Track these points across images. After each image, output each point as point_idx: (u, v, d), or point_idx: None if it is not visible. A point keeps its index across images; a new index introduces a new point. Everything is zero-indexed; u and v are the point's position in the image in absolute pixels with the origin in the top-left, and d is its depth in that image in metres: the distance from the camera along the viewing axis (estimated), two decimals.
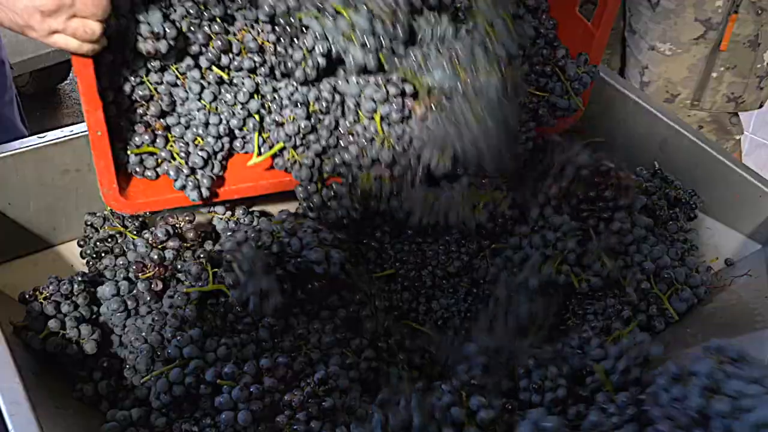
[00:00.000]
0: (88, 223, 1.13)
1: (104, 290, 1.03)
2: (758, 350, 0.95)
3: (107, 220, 1.13)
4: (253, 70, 1.04)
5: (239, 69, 1.04)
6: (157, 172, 1.08)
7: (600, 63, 1.24)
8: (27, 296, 1.01)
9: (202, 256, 1.07)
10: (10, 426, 0.77)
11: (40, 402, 0.82)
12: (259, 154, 1.09)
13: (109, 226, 1.12)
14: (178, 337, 0.95)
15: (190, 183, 1.05)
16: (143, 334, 0.99)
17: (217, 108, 1.06)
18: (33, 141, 1.10)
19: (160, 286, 1.04)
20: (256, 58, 1.03)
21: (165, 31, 0.97)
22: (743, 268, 1.15)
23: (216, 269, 1.04)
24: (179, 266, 1.08)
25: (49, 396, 0.91)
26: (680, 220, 1.20)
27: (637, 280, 1.09)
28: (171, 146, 1.07)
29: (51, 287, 1.01)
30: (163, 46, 0.98)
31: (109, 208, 1.15)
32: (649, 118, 1.29)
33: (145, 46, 0.97)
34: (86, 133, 1.11)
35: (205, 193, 1.06)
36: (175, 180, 1.05)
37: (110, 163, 0.99)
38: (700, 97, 1.73)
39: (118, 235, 1.12)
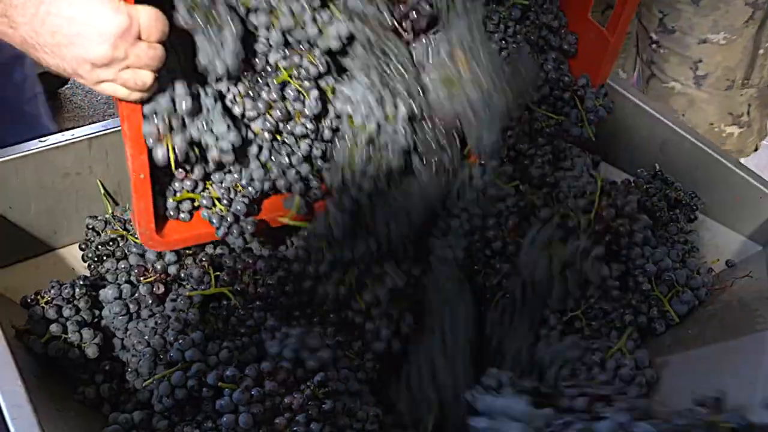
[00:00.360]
0: (90, 226, 1.13)
1: (106, 293, 1.04)
2: (759, 352, 0.95)
3: (108, 224, 1.14)
4: (305, 136, 1.02)
5: (290, 134, 1.01)
6: (191, 214, 1.05)
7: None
8: (29, 300, 1.01)
9: (203, 259, 1.07)
10: (12, 429, 0.77)
11: (41, 405, 0.82)
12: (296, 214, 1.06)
13: (111, 230, 1.12)
14: (180, 341, 0.95)
15: (234, 231, 1.02)
16: (146, 337, 0.99)
17: (266, 165, 1.03)
18: (34, 144, 1.10)
19: (162, 289, 1.04)
20: (309, 125, 1.00)
21: (232, 144, 0.95)
22: (744, 269, 1.15)
23: (218, 272, 1.05)
24: (182, 274, 1.08)
25: (50, 399, 0.91)
26: (681, 221, 1.20)
27: (637, 282, 1.09)
28: (210, 188, 1.03)
29: (53, 291, 1.01)
30: (229, 157, 0.96)
31: (110, 211, 1.16)
32: (649, 120, 1.29)
33: (210, 154, 0.96)
34: (87, 136, 1.13)
35: (249, 239, 1.04)
36: (218, 228, 1.02)
37: (150, 204, 0.97)
38: (750, 75, 1.75)
39: (119, 239, 1.12)
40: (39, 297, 1.01)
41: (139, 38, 0.79)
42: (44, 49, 0.80)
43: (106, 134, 1.14)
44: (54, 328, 0.98)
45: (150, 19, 0.79)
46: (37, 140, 1.11)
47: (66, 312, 1.00)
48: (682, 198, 1.22)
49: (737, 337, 1.01)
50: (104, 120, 1.18)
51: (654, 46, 1.78)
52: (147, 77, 0.83)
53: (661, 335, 1.09)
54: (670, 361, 1.04)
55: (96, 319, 1.03)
